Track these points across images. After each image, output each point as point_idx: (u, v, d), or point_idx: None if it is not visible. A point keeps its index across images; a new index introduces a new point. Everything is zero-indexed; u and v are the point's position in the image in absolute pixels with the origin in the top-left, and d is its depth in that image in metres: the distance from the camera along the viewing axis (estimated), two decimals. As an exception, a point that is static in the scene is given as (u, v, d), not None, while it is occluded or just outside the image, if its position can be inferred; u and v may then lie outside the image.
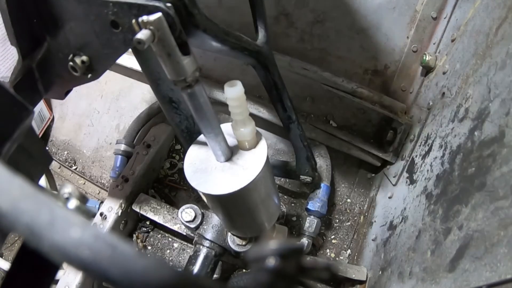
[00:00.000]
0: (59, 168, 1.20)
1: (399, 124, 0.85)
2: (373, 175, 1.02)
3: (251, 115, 0.47)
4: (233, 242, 0.73)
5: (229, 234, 0.74)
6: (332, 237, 1.02)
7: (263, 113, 0.93)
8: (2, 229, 0.26)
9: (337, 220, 1.03)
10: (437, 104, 0.73)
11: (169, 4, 0.32)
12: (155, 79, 0.55)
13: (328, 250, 1.01)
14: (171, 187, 1.07)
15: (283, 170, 0.90)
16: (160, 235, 1.00)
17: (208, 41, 0.38)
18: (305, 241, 0.88)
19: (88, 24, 0.38)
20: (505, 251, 0.41)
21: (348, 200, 1.04)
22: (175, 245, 0.99)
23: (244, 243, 0.72)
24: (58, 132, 1.24)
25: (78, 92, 1.15)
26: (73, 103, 1.20)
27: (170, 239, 0.99)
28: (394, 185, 0.85)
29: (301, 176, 0.86)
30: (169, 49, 0.32)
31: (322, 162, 0.92)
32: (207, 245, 0.75)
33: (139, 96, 1.11)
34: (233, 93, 0.42)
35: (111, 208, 0.89)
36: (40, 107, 1.16)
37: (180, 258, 0.97)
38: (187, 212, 0.75)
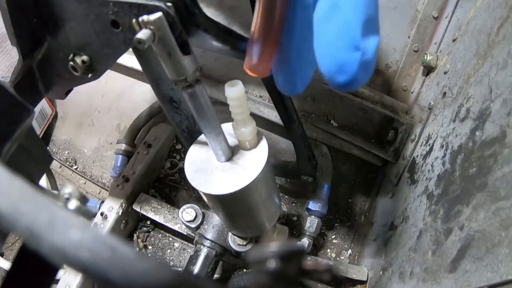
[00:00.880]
0: (60, 167, 1.20)
1: (400, 124, 0.85)
2: (374, 175, 1.02)
3: (252, 114, 0.46)
4: (234, 242, 0.73)
5: (230, 234, 0.74)
6: (333, 237, 1.02)
7: (263, 112, 0.93)
8: (2, 230, 0.26)
9: (338, 220, 1.03)
10: (438, 104, 0.73)
11: (169, 4, 0.32)
12: (156, 78, 0.55)
13: (329, 250, 1.01)
14: (172, 187, 1.07)
15: (284, 169, 0.90)
16: (160, 235, 1.00)
17: (208, 40, 0.37)
18: (305, 241, 0.88)
19: (89, 23, 0.38)
20: (506, 251, 0.41)
21: (349, 200, 1.04)
22: (176, 244, 0.99)
23: (244, 243, 0.72)
24: (59, 132, 1.24)
25: (79, 92, 1.15)
26: (74, 102, 1.20)
27: (170, 239, 0.99)
28: (395, 185, 0.85)
29: (302, 176, 0.86)
30: (169, 49, 0.32)
31: (323, 162, 0.91)
32: (208, 245, 0.75)
33: (140, 96, 1.11)
34: (234, 92, 0.42)
35: (112, 208, 0.90)
36: (42, 104, 1.16)
37: (181, 258, 0.97)
38: (188, 212, 0.75)
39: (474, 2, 0.69)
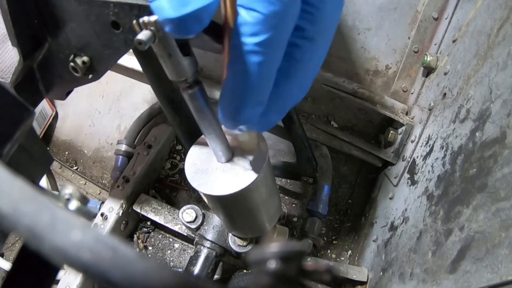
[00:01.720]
0: (60, 168, 1.20)
1: (400, 124, 0.85)
2: (374, 176, 1.02)
3: (252, 115, 0.46)
4: (234, 242, 0.73)
5: (230, 235, 0.74)
6: (333, 237, 1.02)
7: (264, 113, 0.92)
8: (3, 230, 0.26)
9: (338, 221, 1.03)
10: (438, 105, 0.73)
11: (170, 5, 0.32)
12: (156, 79, 0.55)
13: (329, 251, 1.01)
14: (172, 188, 1.07)
15: (284, 170, 0.90)
16: (161, 236, 1.00)
17: (209, 41, 0.38)
18: (306, 242, 0.88)
19: (89, 24, 0.38)
20: (506, 252, 0.41)
21: (349, 201, 1.04)
22: (176, 245, 0.99)
23: (245, 243, 0.72)
24: (59, 132, 1.24)
25: (79, 93, 1.15)
26: (74, 103, 1.20)
27: (171, 240, 0.99)
28: (395, 186, 0.85)
29: (302, 177, 0.86)
30: (170, 50, 0.32)
31: (323, 163, 0.91)
32: (208, 245, 0.75)
33: (140, 97, 1.11)
34: (234, 93, 0.42)
35: (112, 209, 0.90)
36: (42, 105, 1.16)
37: (181, 259, 0.97)
38: (188, 213, 0.75)
39: (474, 3, 0.69)
